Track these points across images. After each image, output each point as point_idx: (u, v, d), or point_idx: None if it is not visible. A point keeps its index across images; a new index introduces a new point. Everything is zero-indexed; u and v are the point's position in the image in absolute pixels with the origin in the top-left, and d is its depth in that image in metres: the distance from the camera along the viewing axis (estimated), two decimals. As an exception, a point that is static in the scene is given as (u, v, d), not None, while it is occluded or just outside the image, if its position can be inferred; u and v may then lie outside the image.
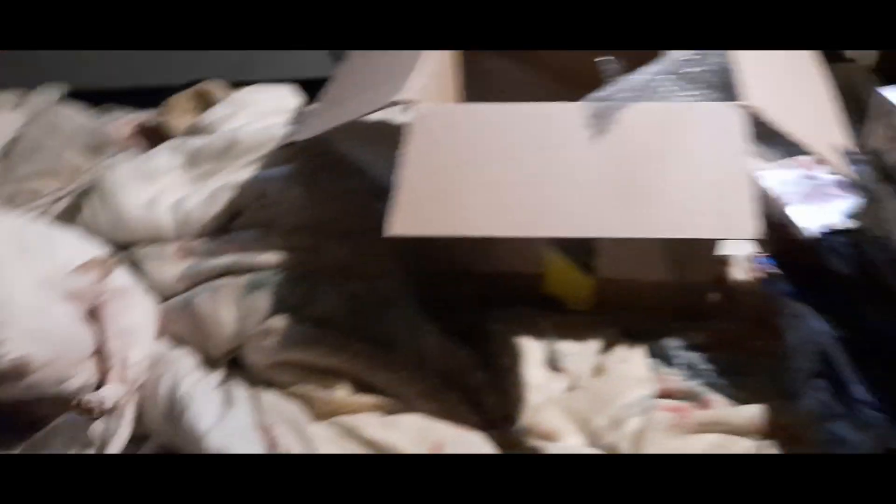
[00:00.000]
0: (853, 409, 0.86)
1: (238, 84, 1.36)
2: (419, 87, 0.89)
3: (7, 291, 0.84)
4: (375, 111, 0.91)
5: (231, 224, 1.07)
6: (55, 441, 0.88)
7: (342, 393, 0.86)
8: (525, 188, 0.79)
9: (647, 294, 1.00)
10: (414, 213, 0.79)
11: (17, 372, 0.81)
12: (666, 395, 0.92)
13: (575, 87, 0.91)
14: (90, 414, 0.84)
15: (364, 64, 1.07)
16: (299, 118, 1.18)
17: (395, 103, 0.87)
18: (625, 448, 0.85)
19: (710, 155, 0.78)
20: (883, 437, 0.81)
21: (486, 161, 0.82)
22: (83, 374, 0.89)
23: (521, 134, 0.84)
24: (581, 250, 0.99)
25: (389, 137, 1.16)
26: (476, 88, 1.16)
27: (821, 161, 0.94)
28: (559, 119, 0.84)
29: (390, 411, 0.86)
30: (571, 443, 0.87)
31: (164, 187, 1.12)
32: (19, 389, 0.84)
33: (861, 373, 0.90)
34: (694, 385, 0.92)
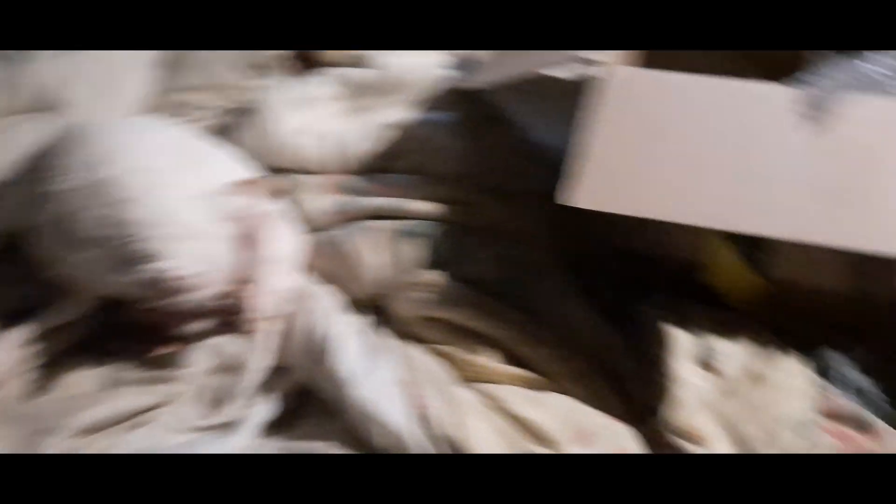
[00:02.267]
0: None
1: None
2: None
3: (170, 205, 0.83)
4: (558, 65, 0.84)
5: (386, 164, 1.04)
6: (202, 357, 0.89)
7: (490, 360, 0.83)
8: (722, 175, 0.73)
9: (818, 302, 0.92)
10: (597, 186, 0.74)
11: (175, 288, 0.80)
12: (829, 414, 0.85)
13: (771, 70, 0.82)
14: (237, 308, 0.85)
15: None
16: (467, 63, 1.13)
17: (586, 60, 0.81)
18: (780, 466, 0.79)
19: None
20: None
21: (681, 139, 0.76)
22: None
23: (724, 114, 0.76)
24: (753, 244, 0.91)
25: (556, 96, 1.10)
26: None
27: None
28: (768, 103, 0.76)
29: (536, 387, 0.82)
30: (719, 450, 0.82)
31: (319, 116, 1.10)
32: (167, 303, 0.84)
33: None
34: (860, 408, 0.85)
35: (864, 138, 0.71)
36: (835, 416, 0.86)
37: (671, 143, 0.75)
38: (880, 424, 0.83)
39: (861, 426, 0.83)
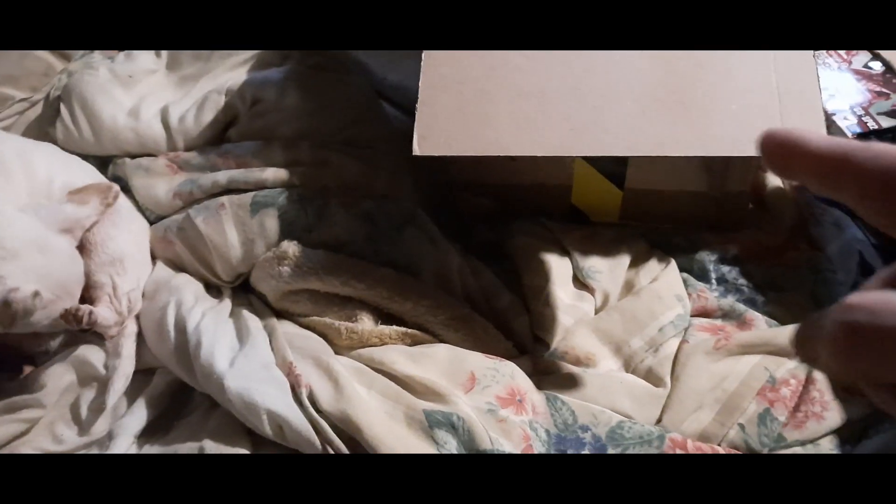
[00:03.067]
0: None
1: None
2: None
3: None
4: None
5: (225, 134, 0.97)
6: (59, 374, 0.82)
7: (367, 323, 0.79)
8: (562, 99, 0.71)
9: (679, 205, 0.94)
10: (438, 130, 0.71)
11: (24, 309, 0.73)
12: (703, 313, 0.88)
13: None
14: (78, 323, 0.78)
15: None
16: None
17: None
18: (663, 372, 0.81)
19: (774, 62, 0.70)
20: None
21: (516, 65, 0.73)
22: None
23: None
24: (611, 159, 0.91)
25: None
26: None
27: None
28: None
29: (416, 341, 0.80)
30: (607, 367, 0.83)
31: (146, 92, 1.01)
32: (17, 326, 0.77)
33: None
34: (731, 301, 0.88)
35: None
36: (709, 313, 0.88)
37: (508, 73, 0.72)
38: (751, 314, 0.86)
39: (732, 317, 0.86)
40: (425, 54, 0.73)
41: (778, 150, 0.27)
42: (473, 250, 0.91)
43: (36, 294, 0.74)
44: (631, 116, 0.70)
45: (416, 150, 0.69)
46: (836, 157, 0.25)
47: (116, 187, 0.85)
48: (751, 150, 0.71)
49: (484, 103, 0.71)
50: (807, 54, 0.70)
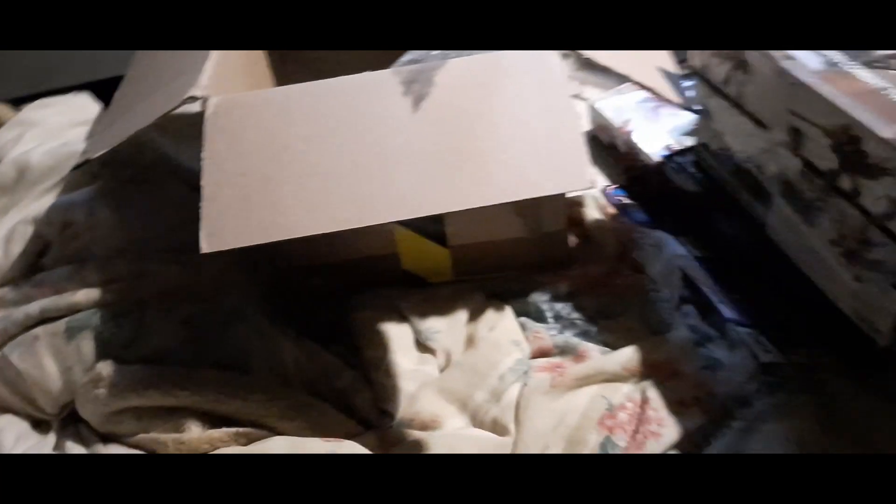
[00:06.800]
0: (723, 329, 0.86)
1: (26, 99, 1.21)
2: (215, 79, 0.79)
3: None
4: (172, 111, 0.79)
5: (39, 263, 0.94)
6: None
7: (194, 431, 0.77)
8: (347, 174, 0.71)
9: (505, 253, 0.96)
10: (226, 223, 0.70)
11: None
12: (541, 354, 0.89)
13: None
14: None
15: (154, 61, 0.95)
16: (92, 130, 1.05)
17: (191, 98, 0.76)
18: (508, 420, 0.81)
19: (535, 105, 0.73)
20: (754, 353, 0.82)
21: (297, 149, 0.73)
22: None
23: (333, 113, 0.75)
24: (430, 221, 0.93)
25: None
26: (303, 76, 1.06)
27: (646, 88, 0.90)
28: (371, 91, 0.76)
29: (251, 439, 0.78)
30: (454, 425, 0.83)
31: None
32: None
33: (724, 289, 0.90)
34: (566, 337, 0.89)
35: (456, 100, 0.74)
36: (547, 352, 0.90)
37: (290, 156, 0.73)
38: (584, 346, 0.88)
39: (568, 353, 0.88)
40: (204, 155, 0.73)
41: None
42: (318, 331, 0.91)
43: None
44: (414, 180, 0.71)
45: (204, 247, 0.68)
46: None
47: None
48: (536, 191, 0.73)
49: (268, 191, 0.71)
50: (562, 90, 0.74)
